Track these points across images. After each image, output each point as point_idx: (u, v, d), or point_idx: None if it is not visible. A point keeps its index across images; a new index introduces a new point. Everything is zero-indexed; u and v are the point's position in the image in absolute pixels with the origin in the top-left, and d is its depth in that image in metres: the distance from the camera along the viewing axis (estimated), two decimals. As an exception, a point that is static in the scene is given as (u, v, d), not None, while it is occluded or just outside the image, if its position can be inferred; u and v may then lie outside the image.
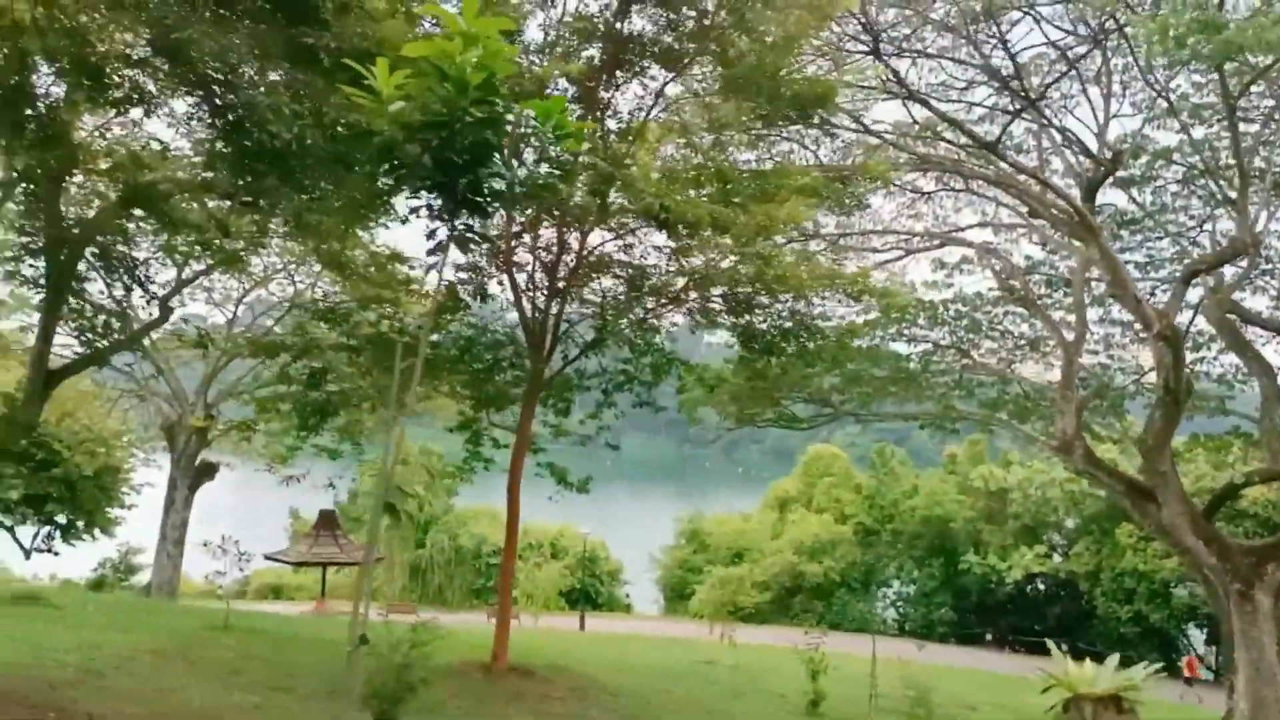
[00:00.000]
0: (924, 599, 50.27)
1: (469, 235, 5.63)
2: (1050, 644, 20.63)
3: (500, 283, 16.92)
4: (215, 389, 34.39)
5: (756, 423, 32.89)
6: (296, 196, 9.83)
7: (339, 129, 8.71)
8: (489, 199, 5.66)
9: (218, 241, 14.34)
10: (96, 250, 14.57)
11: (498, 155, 5.57)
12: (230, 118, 8.84)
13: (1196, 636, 46.33)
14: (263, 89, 8.52)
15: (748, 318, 14.83)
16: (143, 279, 15.20)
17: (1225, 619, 24.85)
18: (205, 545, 16.95)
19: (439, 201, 5.81)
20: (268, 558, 47.01)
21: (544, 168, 5.60)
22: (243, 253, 16.22)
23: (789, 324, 14.00)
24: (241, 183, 9.92)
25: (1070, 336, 25.93)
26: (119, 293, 18.46)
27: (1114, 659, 20.06)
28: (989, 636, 49.13)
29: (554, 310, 14.82)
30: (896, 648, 43.34)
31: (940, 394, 32.27)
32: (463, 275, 16.85)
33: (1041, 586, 48.34)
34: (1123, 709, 17.74)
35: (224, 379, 35.63)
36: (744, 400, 27.33)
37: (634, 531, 58.80)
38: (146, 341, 26.45)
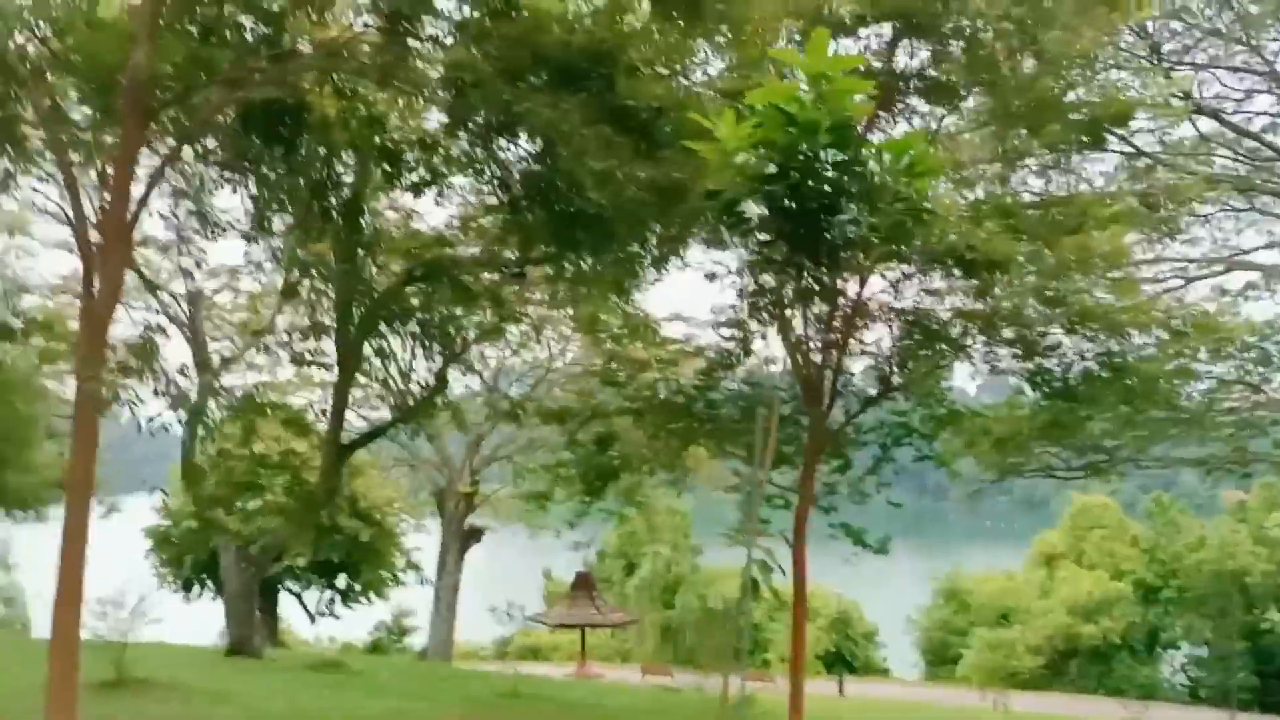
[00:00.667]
0: (1219, 662, 45.46)
1: (818, 287, 5.29)
2: None
3: (763, 336, 16.63)
4: (476, 456, 35.92)
5: (1022, 473, 31.05)
6: (584, 260, 9.96)
7: (642, 188, 8.73)
8: (842, 247, 5.32)
9: (489, 313, 14.89)
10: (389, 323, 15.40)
11: (850, 200, 5.23)
12: (539, 186, 9.04)
13: None
14: (570, 154, 8.65)
15: (1038, 360, 13.84)
16: (425, 350, 15.94)
17: None
18: (493, 610, 17.44)
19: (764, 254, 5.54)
20: (529, 619, 48.35)
21: (897, 208, 5.18)
22: (503, 323, 16.80)
23: (1094, 364, 12.93)
24: (539, 251, 10.16)
25: None
26: (404, 365, 19.55)
27: None
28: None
29: (831, 362, 14.33)
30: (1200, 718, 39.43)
31: (1229, 434, 29.34)
32: (724, 331, 16.69)
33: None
34: None
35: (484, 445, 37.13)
36: (1009, 449, 25.75)
37: (882, 589, 56.54)
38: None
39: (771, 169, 5.32)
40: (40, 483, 35.03)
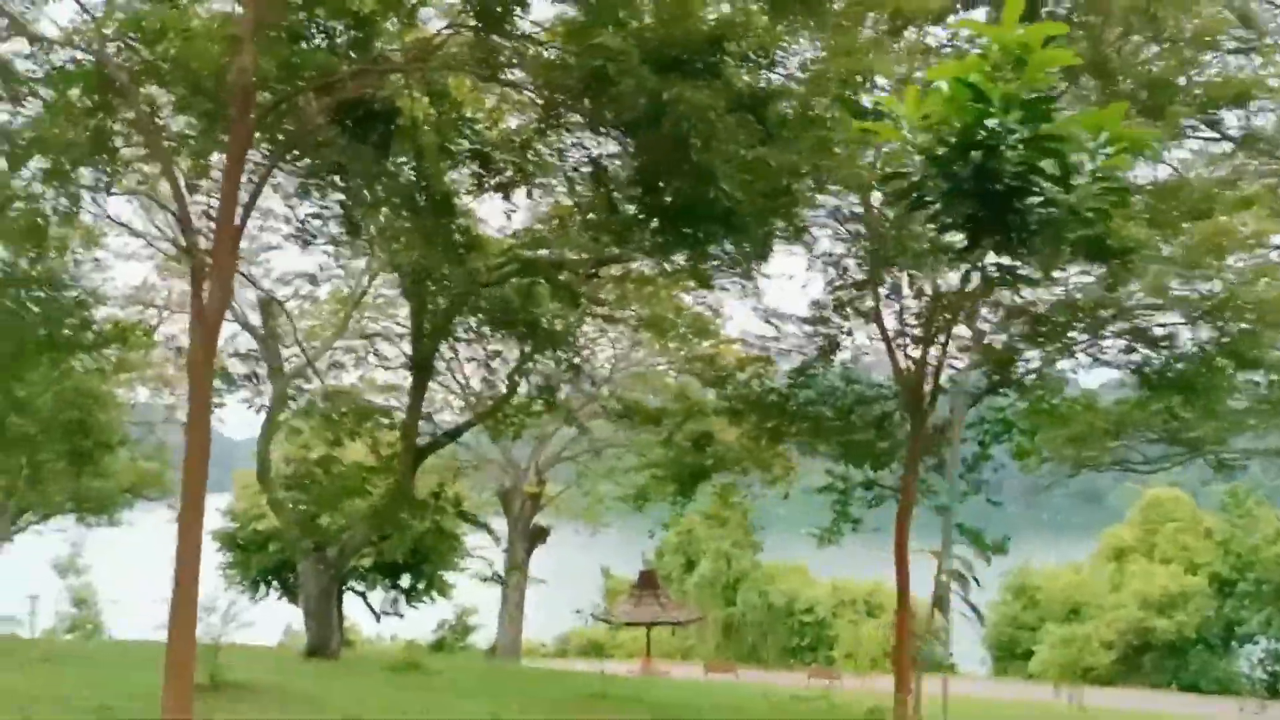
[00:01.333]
0: (1303, 657, 44.27)
1: (1010, 275, 4.98)
2: None
3: (849, 332, 16.31)
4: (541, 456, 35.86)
5: (1098, 467, 30.40)
6: (708, 249, 9.75)
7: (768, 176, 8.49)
8: (1035, 232, 4.99)
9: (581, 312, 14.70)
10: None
11: (1046, 179, 4.90)
12: (654, 179, 8.81)
13: None
14: (704, 142, 8.39)
15: (1147, 352, 13.38)
16: (523, 351, 15.81)
17: None
18: (578, 613, 17.32)
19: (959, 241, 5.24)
20: (595, 617, 48.25)
21: (1095, 189, 4.85)
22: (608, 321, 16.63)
23: (1215, 353, 12.43)
24: (644, 245, 9.95)
25: None
26: (477, 368, 19.48)
27: None
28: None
29: (931, 358, 14.01)
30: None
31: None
32: (807, 328, 16.39)
33: None
34: None
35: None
36: (1084, 443, 25.13)
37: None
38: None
39: (946, 149, 5.00)
40: (115, 488, 35.59)
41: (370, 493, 17.22)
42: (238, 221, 9.25)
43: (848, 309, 15.92)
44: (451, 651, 46.89)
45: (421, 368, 20.34)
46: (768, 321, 15.47)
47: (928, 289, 15.01)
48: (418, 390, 20.93)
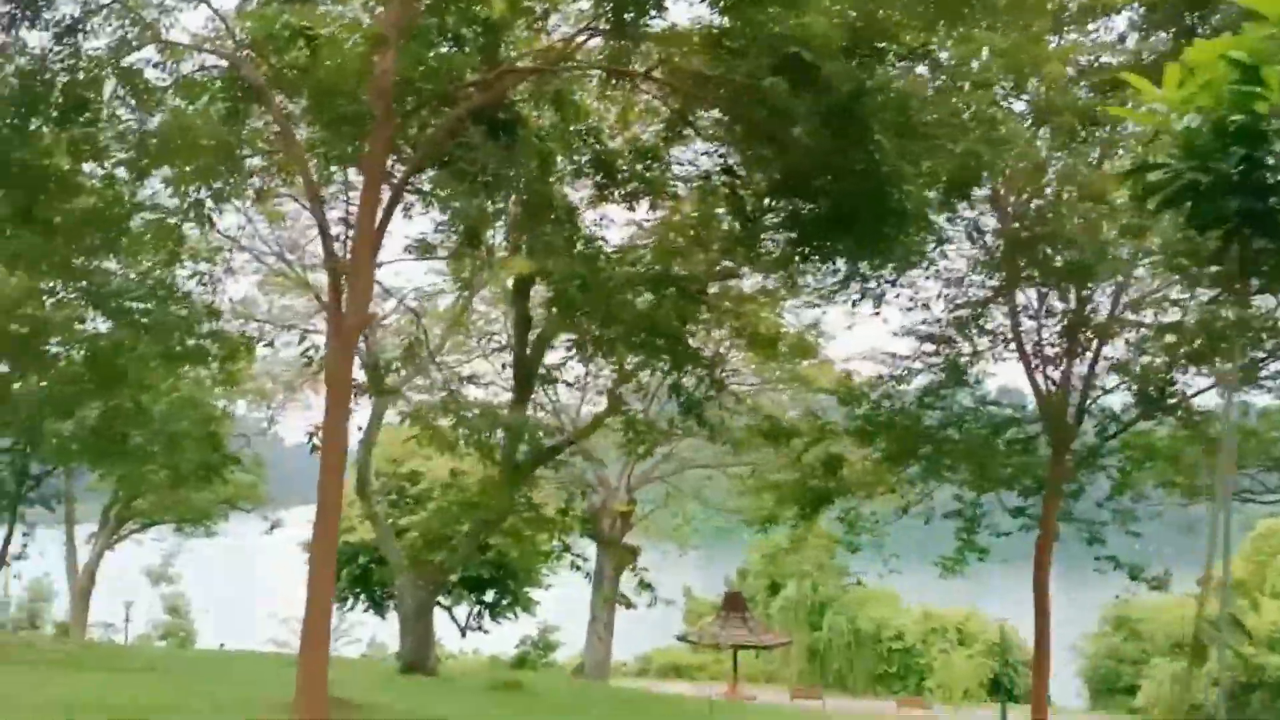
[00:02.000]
0: None
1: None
2: None
3: (976, 351, 15.61)
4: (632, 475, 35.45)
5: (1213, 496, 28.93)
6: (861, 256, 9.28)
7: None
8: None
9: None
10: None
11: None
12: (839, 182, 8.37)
13: None
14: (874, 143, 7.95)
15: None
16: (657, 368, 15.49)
17: None
18: (682, 638, 16.86)
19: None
20: (680, 639, 47.61)
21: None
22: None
23: None
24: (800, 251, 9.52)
25: None
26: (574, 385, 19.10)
27: None
28: None
29: (1076, 375, 13.28)
30: None
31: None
32: (929, 347, 15.75)
33: None
34: None
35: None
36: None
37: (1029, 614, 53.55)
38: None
39: (1214, 137, 4.46)
40: (213, 500, 36.11)
41: (480, 506, 16.95)
42: (376, 227, 9.01)
43: (971, 328, 15.25)
44: (534, 668, 46.71)
45: (526, 380, 20.11)
46: (896, 336, 14.90)
47: (1059, 305, 14.33)
48: (520, 403, 20.71)
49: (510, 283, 17.96)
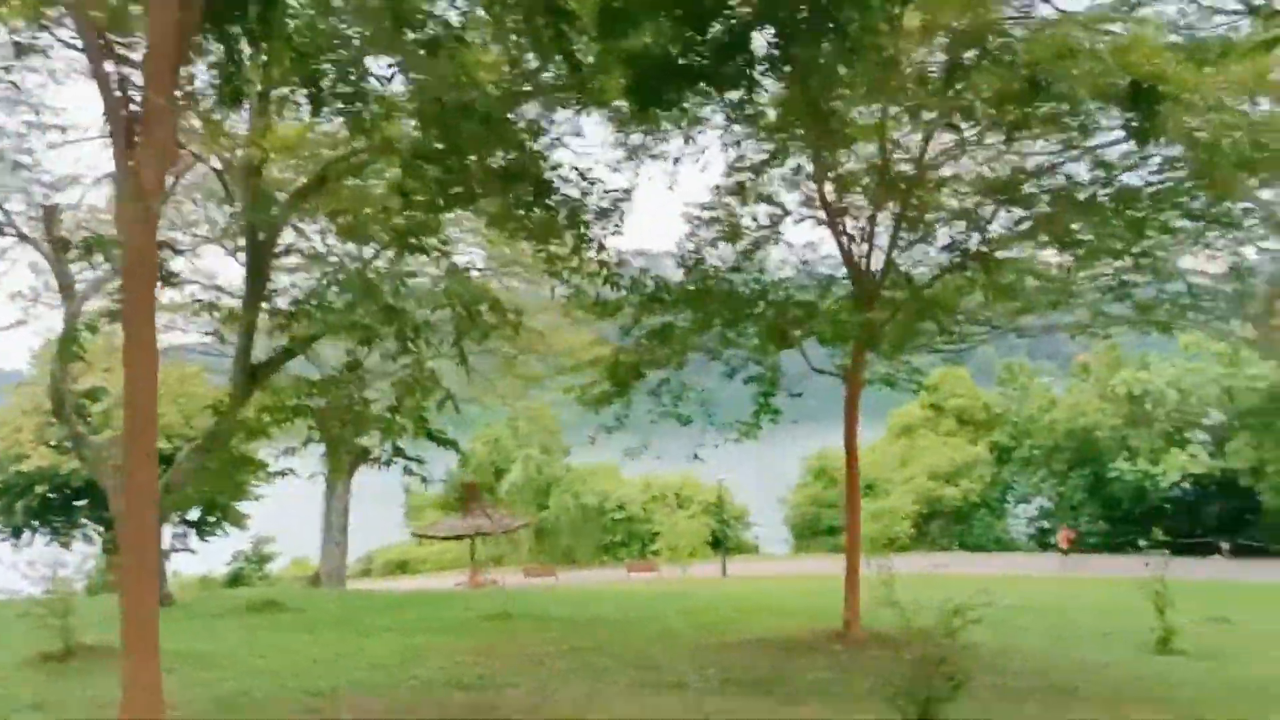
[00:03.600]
0: (1070, 511, 48.66)
1: None
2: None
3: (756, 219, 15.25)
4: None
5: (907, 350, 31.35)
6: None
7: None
8: None
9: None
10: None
11: None
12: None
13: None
14: None
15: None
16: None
17: None
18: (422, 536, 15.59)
19: None
20: (417, 535, 46.36)
21: None
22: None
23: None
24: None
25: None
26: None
27: None
28: (1142, 543, 47.43)
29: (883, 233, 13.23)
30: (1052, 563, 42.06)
31: (1092, 300, 30.49)
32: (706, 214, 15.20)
33: (1198, 487, 46.44)
34: None
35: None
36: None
37: (758, 473, 57.35)
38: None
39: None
40: None
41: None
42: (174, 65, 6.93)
43: (757, 187, 14.85)
44: (250, 583, 43.81)
45: (252, 277, 17.66)
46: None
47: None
48: (251, 305, 18.31)
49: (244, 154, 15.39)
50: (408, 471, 11.99)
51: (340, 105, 9.30)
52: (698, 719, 9.17)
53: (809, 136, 13.12)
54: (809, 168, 14.28)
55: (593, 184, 12.05)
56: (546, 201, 11.43)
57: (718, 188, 14.71)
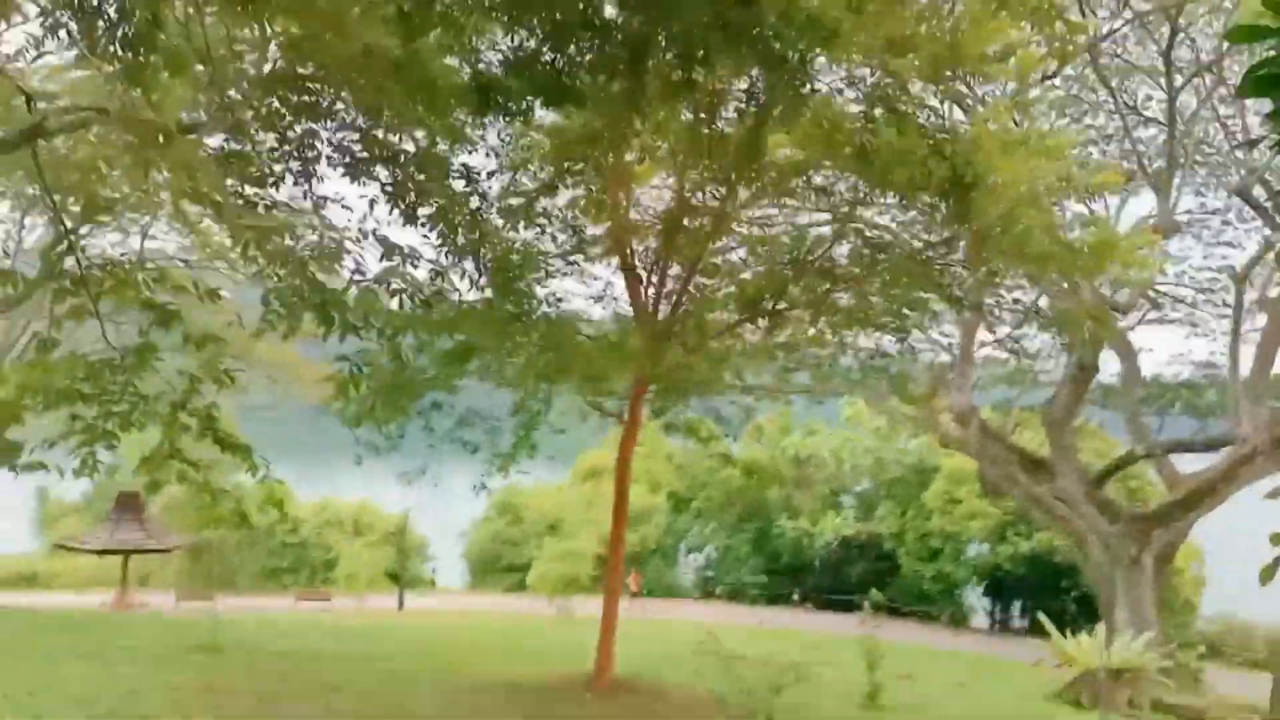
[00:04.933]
0: (736, 563, 51.55)
1: None
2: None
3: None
4: None
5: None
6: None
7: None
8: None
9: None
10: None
11: None
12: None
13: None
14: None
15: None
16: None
17: (1101, 579, 27.07)
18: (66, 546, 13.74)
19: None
20: (59, 546, 40.91)
21: None
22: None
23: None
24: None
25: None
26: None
27: (1100, 630, 21.21)
28: (795, 596, 51.15)
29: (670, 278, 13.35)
30: (720, 611, 44.27)
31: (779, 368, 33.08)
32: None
33: (846, 548, 50.78)
34: (1133, 680, 18.78)
35: None
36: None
37: (434, 505, 56.27)
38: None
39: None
40: None
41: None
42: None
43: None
44: None
45: None
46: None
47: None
48: None
49: None
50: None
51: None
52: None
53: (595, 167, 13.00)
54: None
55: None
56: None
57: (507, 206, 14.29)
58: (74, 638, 15.27)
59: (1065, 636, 21.15)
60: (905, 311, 13.74)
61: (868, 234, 12.76)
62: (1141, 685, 19.01)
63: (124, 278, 8.00)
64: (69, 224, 10.48)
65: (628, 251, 13.98)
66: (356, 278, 8.28)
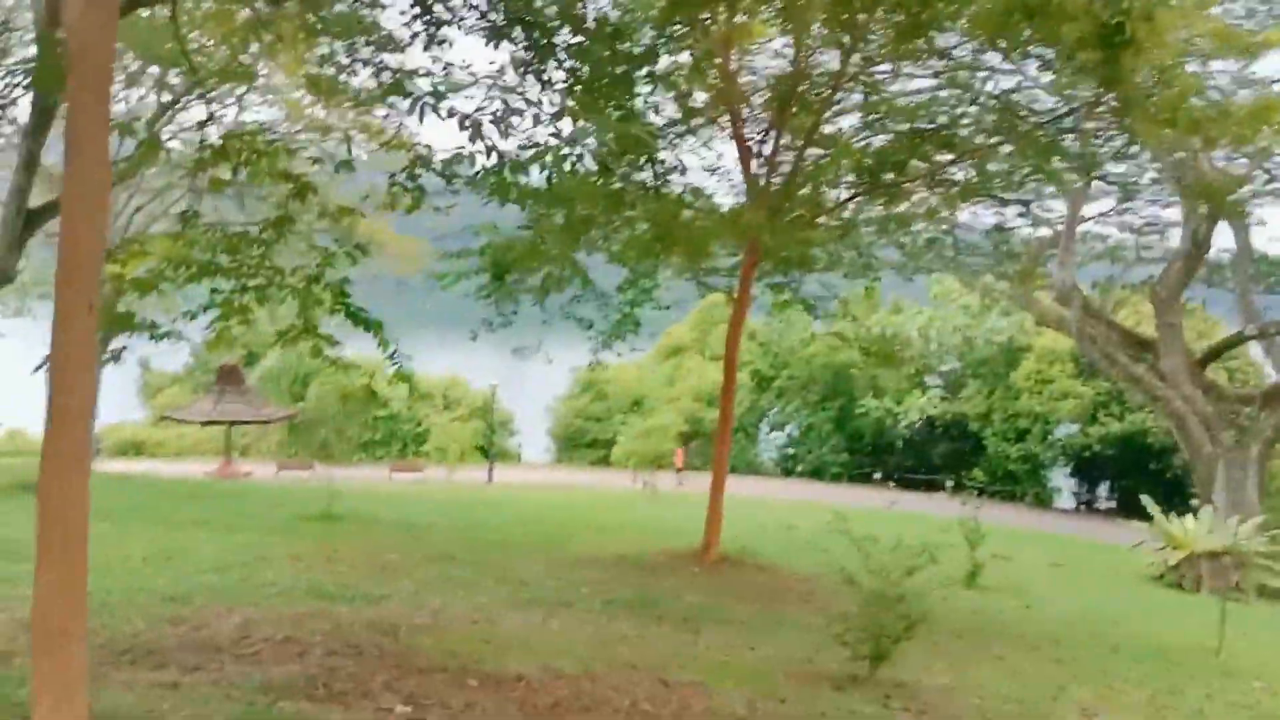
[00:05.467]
0: (817, 441, 51.61)
1: None
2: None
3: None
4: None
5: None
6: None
7: None
8: None
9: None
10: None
11: None
12: None
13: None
14: None
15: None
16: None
17: (1201, 462, 26.42)
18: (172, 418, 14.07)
19: None
20: (166, 417, 42.62)
21: None
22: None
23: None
24: None
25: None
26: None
27: (1206, 513, 20.85)
28: (877, 475, 51.22)
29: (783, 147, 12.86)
30: (801, 489, 44.50)
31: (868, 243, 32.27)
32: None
33: (930, 427, 50.44)
34: (1237, 563, 18.47)
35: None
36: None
37: (527, 383, 57.16)
38: None
39: None
40: None
41: None
42: None
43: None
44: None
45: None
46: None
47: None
48: (35, 134, 15.76)
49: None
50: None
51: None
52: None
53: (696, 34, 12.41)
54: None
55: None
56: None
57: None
58: (195, 505, 15.89)
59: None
60: (1030, 183, 13.14)
61: (994, 99, 12.06)
62: (1248, 569, 18.65)
63: (263, 149, 7.88)
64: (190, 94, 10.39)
65: (738, 120, 13.45)
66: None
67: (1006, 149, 12.24)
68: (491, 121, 7.02)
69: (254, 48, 11.17)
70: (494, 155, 7.10)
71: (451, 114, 7.98)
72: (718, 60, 12.87)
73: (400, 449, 51.58)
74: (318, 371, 51.39)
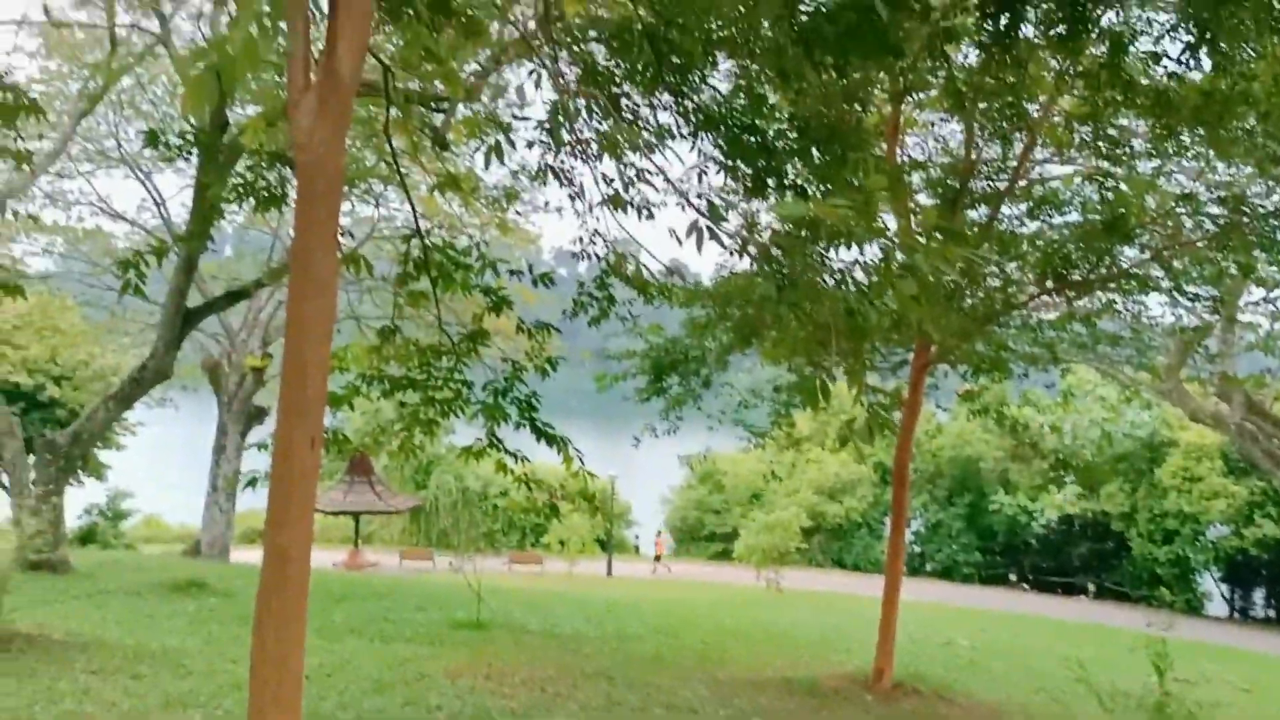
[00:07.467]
0: (948, 539, 49.62)
1: None
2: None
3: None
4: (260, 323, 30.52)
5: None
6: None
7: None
8: None
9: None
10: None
11: None
12: None
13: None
14: None
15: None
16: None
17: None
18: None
19: None
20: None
21: None
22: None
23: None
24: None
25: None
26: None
27: None
28: (1012, 576, 48.85)
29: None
30: (933, 590, 42.42)
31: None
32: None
33: (1068, 526, 48.04)
34: None
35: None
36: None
37: (637, 472, 56.80)
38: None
39: None
40: None
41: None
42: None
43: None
44: (105, 541, 40.29)
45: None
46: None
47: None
48: (201, 229, 16.24)
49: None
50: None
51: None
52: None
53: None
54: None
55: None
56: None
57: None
58: (345, 609, 15.69)
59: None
60: (1229, 278, 12.25)
61: (1220, 193, 11.30)
62: None
63: (461, 261, 7.72)
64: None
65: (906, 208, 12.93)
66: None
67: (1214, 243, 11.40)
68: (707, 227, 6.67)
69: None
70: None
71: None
72: (884, 147, 12.47)
73: (519, 539, 51.47)
74: (439, 460, 52.00)
